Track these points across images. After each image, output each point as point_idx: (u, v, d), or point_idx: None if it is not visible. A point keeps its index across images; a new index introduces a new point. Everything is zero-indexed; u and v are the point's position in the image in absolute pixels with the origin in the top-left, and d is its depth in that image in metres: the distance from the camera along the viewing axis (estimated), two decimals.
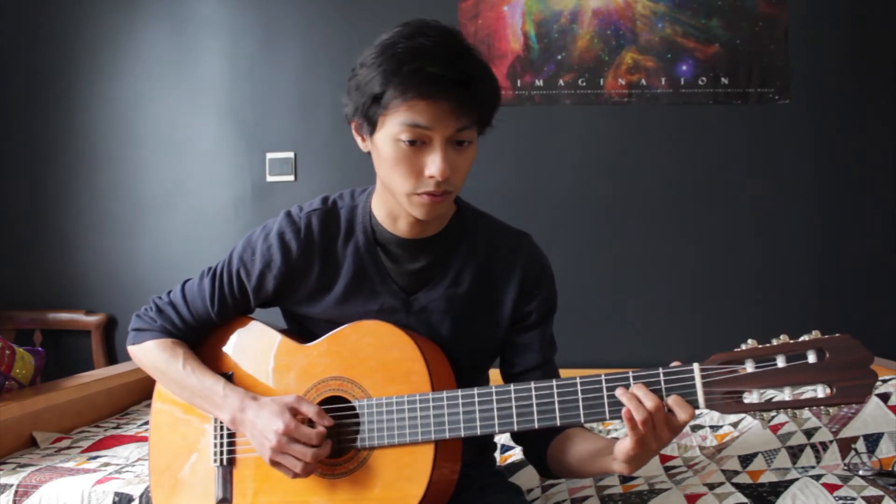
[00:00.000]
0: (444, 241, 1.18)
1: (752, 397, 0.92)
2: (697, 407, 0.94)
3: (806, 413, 1.59)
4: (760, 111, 2.47)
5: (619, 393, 0.96)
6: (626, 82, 2.49)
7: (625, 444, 0.96)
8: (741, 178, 2.47)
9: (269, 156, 2.62)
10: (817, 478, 1.39)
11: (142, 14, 2.66)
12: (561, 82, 2.51)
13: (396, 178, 1.04)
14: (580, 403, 0.99)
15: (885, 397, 1.63)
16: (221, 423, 1.19)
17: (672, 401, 0.94)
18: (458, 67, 0.99)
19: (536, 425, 1.01)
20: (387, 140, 1.03)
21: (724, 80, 2.47)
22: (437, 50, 0.99)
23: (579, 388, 0.99)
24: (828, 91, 2.45)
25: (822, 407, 0.90)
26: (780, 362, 0.91)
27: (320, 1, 2.61)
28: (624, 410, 0.94)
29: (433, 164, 1.01)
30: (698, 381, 0.94)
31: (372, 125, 1.05)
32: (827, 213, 2.45)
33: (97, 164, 2.68)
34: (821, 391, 0.90)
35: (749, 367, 0.92)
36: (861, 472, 1.41)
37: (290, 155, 2.62)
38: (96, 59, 2.68)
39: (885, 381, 1.70)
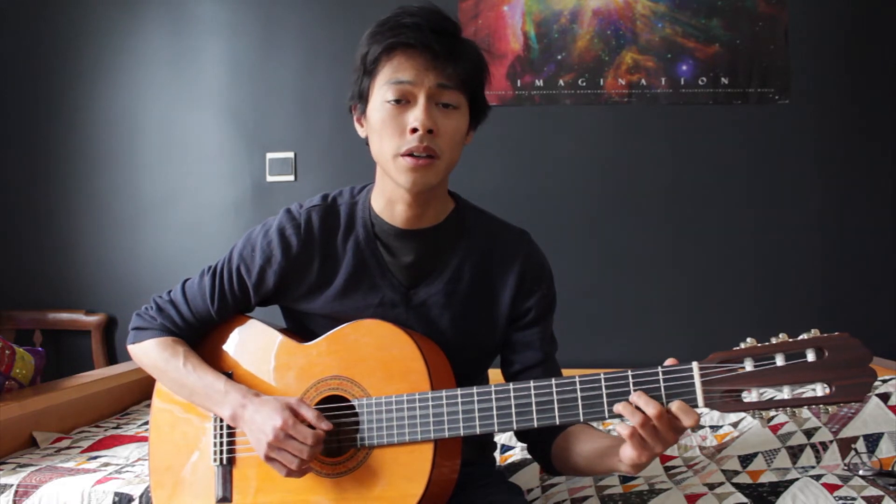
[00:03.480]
0: (441, 235, 1.18)
1: (751, 396, 0.92)
2: (696, 406, 0.93)
3: (806, 413, 1.59)
4: (760, 111, 2.47)
5: (620, 408, 0.95)
6: (626, 82, 2.49)
7: (627, 451, 0.95)
8: (741, 177, 2.47)
9: (269, 156, 2.62)
10: (817, 478, 1.39)
11: (142, 14, 2.66)
12: (561, 82, 2.51)
13: (384, 140, 1.08)
14: (579, 403, 0.99)
15: (885, 397, 1.63)
16: (221, 421, 1.19)
17: (676, 407, 0.93)
18: (436, 21, 1.06)
19: (536, 424, 1.01)
20: (376, 107, 1.08)
21: (724, 80, 2.47)
22: (418, 11, 1.07)
23: (578, 387, 0.99)
24: (828, 91, 2.45)
25: (821, 405, 0.90)
26: (780, 361, 0.91)
27: (320, 1, 2.61)
28: (627, 429, 0.94)
29: (414, 118, 1.05)
30: (697, 380, 0.93)
31: (365, 101, 1.11)
32: (827, 212, 2.45)
33: (97, 164, 2.68)
34: (820, 390, 0.90)
35: (748, 365, 0.92)
36: (861, 472, 1.41)
37: (290, 155, 2.62)
38: (97, 60, 2.68)
39: (884, 381, 1.70)
